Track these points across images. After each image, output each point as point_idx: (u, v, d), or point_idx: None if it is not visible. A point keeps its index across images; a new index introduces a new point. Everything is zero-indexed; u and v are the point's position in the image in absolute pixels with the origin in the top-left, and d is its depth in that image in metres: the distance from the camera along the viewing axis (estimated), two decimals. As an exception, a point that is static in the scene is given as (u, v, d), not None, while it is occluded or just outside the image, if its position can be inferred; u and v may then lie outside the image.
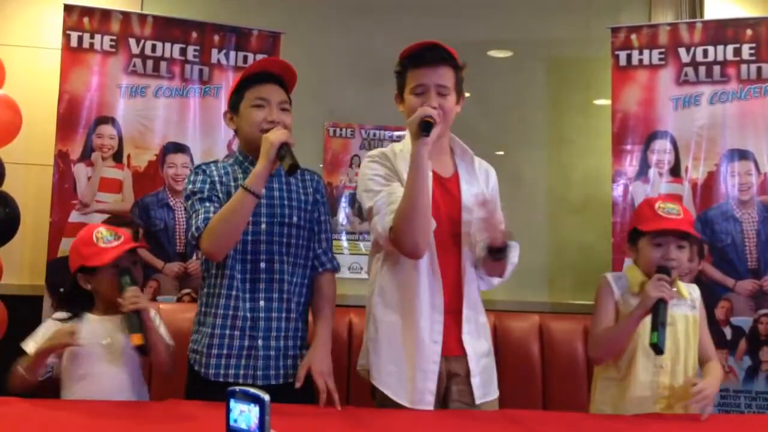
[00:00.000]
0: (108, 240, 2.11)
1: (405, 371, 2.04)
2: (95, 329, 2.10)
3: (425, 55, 2.08)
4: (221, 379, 2.03)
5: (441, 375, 2.06)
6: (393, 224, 1.97)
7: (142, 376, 2.17)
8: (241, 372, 2.03)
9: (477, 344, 2.12)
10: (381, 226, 2.01)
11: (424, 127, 1.93)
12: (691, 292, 2.21)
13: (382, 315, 2.11)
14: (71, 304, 2.17)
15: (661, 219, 2.12)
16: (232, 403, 1.12)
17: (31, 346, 2.07)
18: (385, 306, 2.11)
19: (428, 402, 2.02)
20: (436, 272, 2.06)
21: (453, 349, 2.08)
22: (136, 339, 1.97)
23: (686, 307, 2.17)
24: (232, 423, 1.12)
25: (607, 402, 2.16)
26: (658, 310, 1.98)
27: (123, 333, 2.07)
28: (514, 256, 2.16)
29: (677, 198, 3.27)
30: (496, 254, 2.04)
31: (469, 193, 2.13)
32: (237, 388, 1.12)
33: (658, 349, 1.95)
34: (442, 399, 2.08)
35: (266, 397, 1.08)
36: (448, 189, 2.13)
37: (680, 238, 2.12)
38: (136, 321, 1.99)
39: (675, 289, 2.13)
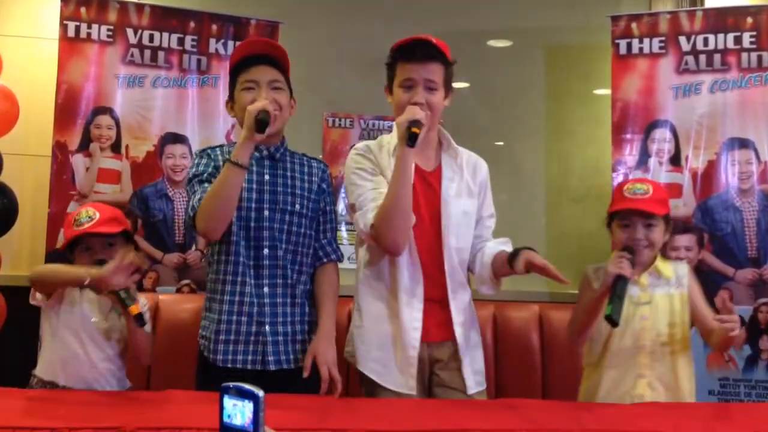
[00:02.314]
0: (80, 223, 2.10)
1: (388, 358, 2.09)
2: (89, 304, 2.10)
3: (415, 51, 2.08)
4: (230, 365, 2.04)
5: (423, 361, 2.10)
6: (374, 222, 2.01)
7: (122, 363, 2.16)
8: (250, 358, 2.04)
9: (468, 335, 2.16)
10: (363, 222, 2.05)
11: (410, 137, 1.93)
12: (677, 269, 2.21)
13: (367, 303, 2.16)
14: None
15: (626, 200, 2.15)
16: (226, 399, 1.10)
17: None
18: (369, 295, 2.16)
19: (411, 387, 2.06)
20: (416, 263, 2.10)
21: (434, 335, 2.11)
22: (135, 309, 1.96)
23: (669, 286, 2.18)
24: (225, 419, 1.09)
25: (589, 387, 2.18)
26: (616, 285, 1.99)
27: (113, 314, 2.09)
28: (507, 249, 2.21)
29: (677, 187, 3.27)
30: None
31: (449, 187, 2.15)
32: (231, 384, 1.09)
33: (612, 321, 1.95)
34: (427, 384, 2.12)
35: (260, 393, 1.06)
36: (429, 183, 2.15)
37: (646, 217, 2.13)
38: (125, 295, 1.98)
39: (652, 270, 2.16)
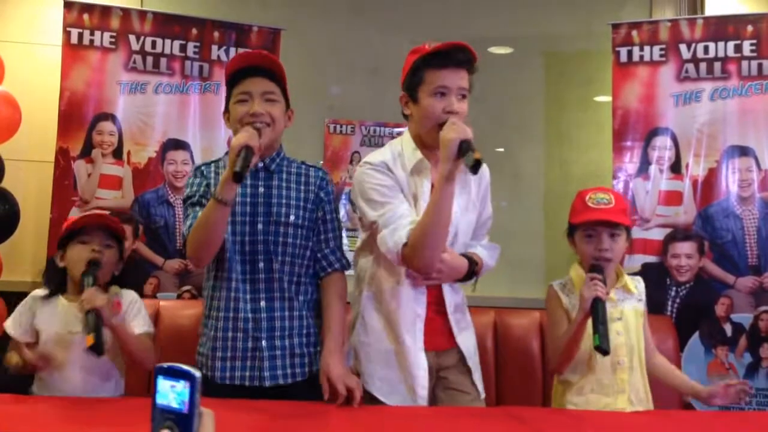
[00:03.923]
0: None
1: (395, 377, 2.05)
2: (66, 315, 2.10)
3: (454, 56, 2.01)
4: (228, 382, 2.01)
5: (430, 368, 2.07)
6: (409, 240, 1.94)
7: (114, 367, 2.14)
8: (248, 374, 2.00)
9: (468, 342, 2.15)
10: (392, 241, 1.97)
11: (474, 165, 1.83)
12: (637, 285, 2.23)
13: (372, 319, 2.11)
14: (50, 281, 2.19)
15: (590, 210, 2.14)
16: (160, 379, 1.02)
17: (10, 328, 2.12)
18: (374, 309, 2.11)
19: (418, 405, 2.03)
20: (420, 283, 2.06)
21: (440, 344, 2.09)
22: (89, 340, 1.93)
23: (634, 300, 2.19)
24: (158, 401, 1.02)
25: (567, 404, 2.15)
26: (597, 311, 1.97)
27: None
28: (491, 259, 2.19)
29: (677, 194, 3.28)
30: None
31: (457, 206, 2.08)
32: (166, 364, 1.03)
33: (602, 350, 1.93)
34: (432, 389, 2.09)
35: (197, 373, 1.00)
36: None
37: (612, 227, 2.13)
38: (92, 320, 1.95)
39: (620, 285, 2.17)
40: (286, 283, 2.05)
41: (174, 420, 1.00)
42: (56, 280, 2.17)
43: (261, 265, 2.03)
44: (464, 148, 1.85)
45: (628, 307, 2.17)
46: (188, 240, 1.97)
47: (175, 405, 1.00)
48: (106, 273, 2.14)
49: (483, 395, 2.13)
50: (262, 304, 2.03)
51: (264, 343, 2.01)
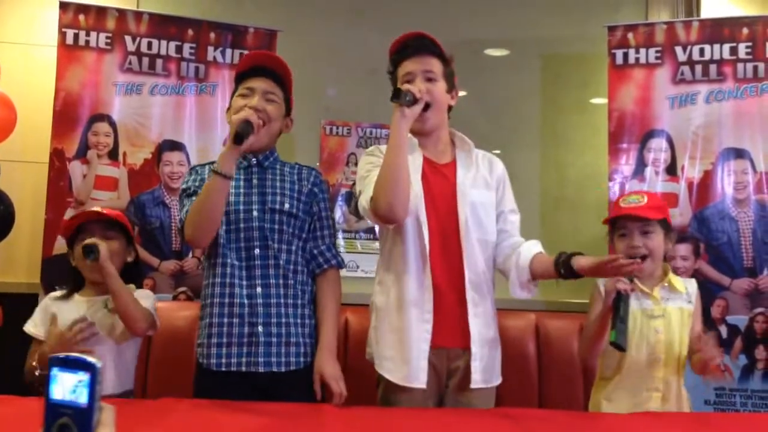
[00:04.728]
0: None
1: (399, 352, 2.03)
2: (79, 310, 2.13)
3: (409, 45, 2.13)
4: (223, 368, 2.02)
5: (441, 370, 2.05)
6: (372, 193, 1.99)
7: (128, 364, 2.17)
8: (243, 360, 2.02)
9: (483, 329, 2.08)
10: (365, 200, 2.03)
11: (399, 95, 1.95)
12: (688, 286, 2.23)
13: (380, 301, 2.12)
14: (67, 281, 2.22)
15: (621, 209, 2.19)
16: (56, 371, 0.94)
17: (31, 327, 2.17)
18: (382, 292, 2.12)
19: (422, 380, 1.99)
20: (425, 252, 2.04)
21: (451, 340, 2.04)
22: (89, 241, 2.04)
23: (681, 300, 2.19)
24: (52, 396, 0.93)
25: (602, 400, 2.17)
26: (618, 306, 1.98)
27: (100, 312, 2.11)
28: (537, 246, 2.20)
29: (673, 196, 3.28)
30: (565, 271, 2.03)
31: (465, 177, 2.13)
32: (62, 354, 0.95)
33: (618, 347, 1.94)
34: (441, 394, 2.08)
35: (98, 363, 0.93)
36: (443, 174, 2.13)
37: (642, 224, 2.14)
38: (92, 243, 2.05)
39: (665, 283, 2.17)
40: (282, 270, 2.07)
41: (71, 415, 0.94)
42: (72, 280, 2.21)
43: (257, 252, 2.06)
44: (398, 92, 1.96)
45: (672, 306, 2.17)
46: (187, 220, 2.01)
47: (72, 399, 0.94)
48: (114, 264, 2.13)
49: (477, 386, 2.04)
50: (258, 290, 2.05)
51: (260, 328, 2.02)
